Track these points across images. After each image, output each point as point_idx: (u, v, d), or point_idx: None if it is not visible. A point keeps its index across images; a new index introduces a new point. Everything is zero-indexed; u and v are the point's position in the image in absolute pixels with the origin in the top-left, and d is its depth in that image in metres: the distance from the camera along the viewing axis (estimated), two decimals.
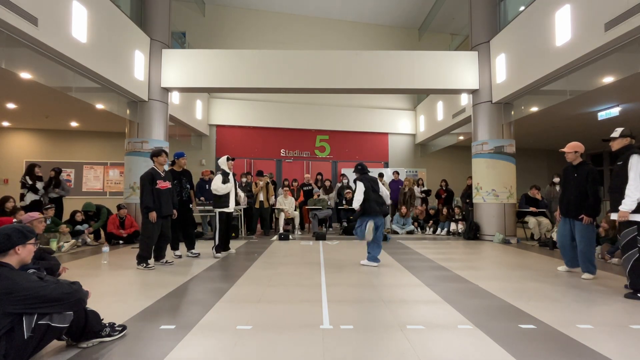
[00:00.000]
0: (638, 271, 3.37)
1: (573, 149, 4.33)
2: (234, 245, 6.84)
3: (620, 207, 3.46)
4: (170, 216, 4.96)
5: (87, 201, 7.63)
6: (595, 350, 2.23)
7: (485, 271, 4.60)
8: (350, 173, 10.62)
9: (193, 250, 5.63)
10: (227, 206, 5.64)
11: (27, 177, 6.99)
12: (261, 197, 8.48)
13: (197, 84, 8.14)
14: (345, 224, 8.98)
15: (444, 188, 10.09)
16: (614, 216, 3.60)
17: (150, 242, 4.71)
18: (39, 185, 6.99)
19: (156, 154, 4.90)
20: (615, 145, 3.72)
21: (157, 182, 4.76)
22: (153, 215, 4.65)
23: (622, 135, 3.67)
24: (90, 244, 6.80)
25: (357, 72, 8.09)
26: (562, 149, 4.45)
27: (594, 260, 4.20)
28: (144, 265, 4.63)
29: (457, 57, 8.21)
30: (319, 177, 10.21)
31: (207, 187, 7.84)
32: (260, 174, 8.74)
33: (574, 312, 2.96)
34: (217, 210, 5.65)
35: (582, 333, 2.51)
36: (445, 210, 9.09)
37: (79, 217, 7.01)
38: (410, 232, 9.07)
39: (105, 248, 5.24)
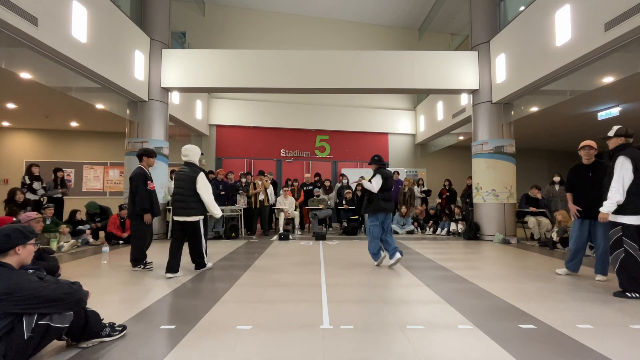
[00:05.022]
0: (626, 271, 3.40)
1: (594, 146, 4.18)
2: (234, 245, 6.84)
3: (601, 209, 3.51)
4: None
5: (91, 200, 7.68)
6: (595, 350, 2.23)
7: (485, 271, 4.60)
8: (350, 173, 10.65)
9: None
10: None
11: (26, 177, 7.00)
12: (261, 196, 8.49)
13: (197, 84, 8.14)
14: (345, 224, 8.98)
15: (447, 188, 10.07)
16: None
17: (144, 244, 4.65)
18: (36, 185, 6.99)
19: (151, 154, 4.71)
20: (610, 144, 3.70)
21: (148, 182, 4.57)
22: (149, 217, 4.56)
23: (616, 135, 3.65)
24: (91, 244, 6.80)
25: (357, 72, 8.09)
26: (588, 143, 4.17)
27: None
28: (141, 267, 4.56)
29: (457, 57, 8.21)
30: (317, 177, 10.21)
31: (219, 187, 8.31)
32: (261, 173, 8.76)
33: (574, 312, 2.96)
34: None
35: (582, 333, 2.51)
36: (447, 210, 9.09)
37: (79, 216, 7.02)
38: (410, 232, 9.07)
39: (105, 248, 5.24)
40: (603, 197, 3.61)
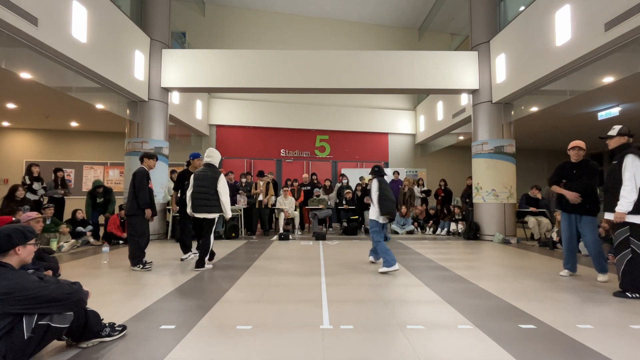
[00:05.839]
0: (631, 273, 3.37)
1: (584, 147, 4.24)
2: (234, 245, 6.85)
3: (617, 209, 3.46)
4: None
5: (96, 179, 8.01)
6: (595, 350, 2.24)
7: (485, 271, 4.60)
8: (350, 173, 10.64)
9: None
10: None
11: (27, 177, 7.00)
12: (261, 197, 8.49)
13: (197, 84, 8.14)
14: (345, 224, 8.97)
15: (443, 188, 10.08)
16: (608, 216, 3.60)
17: (143, 241, 4.66)
18: (36, 185, 6.99)
19: (152, 156, 4.89)
20: (612, 144, 3.69)
21: (149, 181, 4.73)
22: (149, 212, 4.66)
23: (619, 134, 3.63)
24: (92, 244, 6.80)
25: (357, 72, 8.09)
26: (578, 144, 4.22)
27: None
28: (141, 266, 4.56)
29: (457, 57, 8.21)
30: (314, 177, 10.21)
31: None
32: (261, 174, 8.75)
33: (574, 312, 2.96)
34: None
35: (582, 333, 2.51)
36: (445, 210, 9.09)
37: (80, 214, 7.02)
38: (410, 232, 9.07)
39: (105, 248, 5.24)
40: (607, 197, 3.59)
